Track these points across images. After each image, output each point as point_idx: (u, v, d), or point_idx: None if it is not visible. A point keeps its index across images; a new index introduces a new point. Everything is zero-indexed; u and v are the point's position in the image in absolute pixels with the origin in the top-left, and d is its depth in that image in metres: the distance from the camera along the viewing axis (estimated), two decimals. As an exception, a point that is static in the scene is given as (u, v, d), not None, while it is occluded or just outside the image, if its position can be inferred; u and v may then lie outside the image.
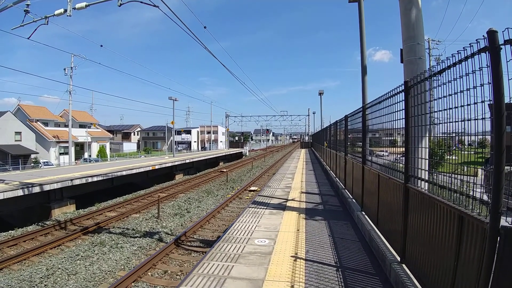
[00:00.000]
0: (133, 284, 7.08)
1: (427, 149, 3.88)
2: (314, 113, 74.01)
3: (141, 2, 8.88)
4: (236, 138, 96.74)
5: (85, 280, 7.47)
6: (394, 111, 4.76)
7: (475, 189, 2.69)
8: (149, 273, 7.70)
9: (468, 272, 2.57)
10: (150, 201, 16.06)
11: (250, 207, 9.06)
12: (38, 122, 45.03)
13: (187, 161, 30.90)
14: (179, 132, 77.09)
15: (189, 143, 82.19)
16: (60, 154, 44.04)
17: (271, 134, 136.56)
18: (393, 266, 4.16)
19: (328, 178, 15.25)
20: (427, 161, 3.84)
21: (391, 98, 4.87)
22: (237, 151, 56.21)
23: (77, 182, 15.92)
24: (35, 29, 10.86)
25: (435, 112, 3.41)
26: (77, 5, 9.63)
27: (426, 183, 3.62)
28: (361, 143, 7.54)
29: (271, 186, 13.10)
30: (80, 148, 49.96)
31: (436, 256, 3.14)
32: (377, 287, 4.13)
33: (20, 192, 12.79)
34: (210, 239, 10.12)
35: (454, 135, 3.55)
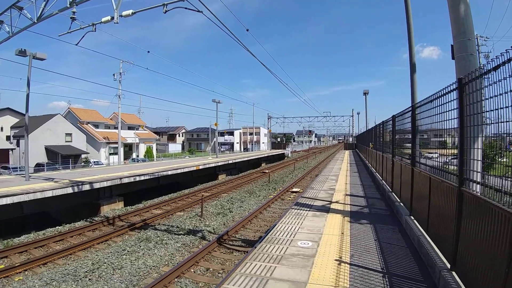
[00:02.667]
0: (176, 279, 7.29)
1: (481, 150, 3.63)
2: (358, 113, 72.06)
3: (186, 8, 9.14)
4: (278, 139, 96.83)
5: (130, 274, 7.72)
6: (446, 110, 4.51)
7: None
8: (192, 270, 7.90)
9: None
10: (194, 200, 16.51)
11: (292, 209, 9.00)
12: (89, 124, 47.91)
13: (230, 161, 31.38)
14: (222, 134, 78.50)
15: (232, 144, 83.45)
16: (110, 154, 46.59)
17: (314, 135, 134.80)
18: (442, 274, 3.94)
19: (373, 181, 14.76)
20: (481, 163, 3.59)
21: (444, 96, 4.61)
22: (279, 152, 56.17)
23: (125, 180, 16.74)
24: (83, 36, 11.50)
25: (487, 111, 3.19)
26: (124, 13, 10.02)
27: (480, 187, 3.38)
28: (409, 144, 7.22)
29: (314, 187, 12.92)
30: (129, 148, 52.49)
31: (489, 263, 2.94)
32: (426, 295, 3.92)
33: (69, 190, 13.42)
34: (252, 239, 10.18)
35: (506, 135, 3.31)
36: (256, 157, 40.98)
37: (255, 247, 5.89)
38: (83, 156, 42.69)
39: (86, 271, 7.81)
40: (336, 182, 14.61)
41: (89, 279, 7.47)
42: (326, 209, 8.83)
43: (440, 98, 4.78)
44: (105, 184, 15.36)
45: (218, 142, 55.60)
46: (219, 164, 28.62)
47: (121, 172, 19.55)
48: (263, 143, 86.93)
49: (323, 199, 10.36)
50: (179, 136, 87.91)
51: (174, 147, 76.65)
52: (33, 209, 12.53)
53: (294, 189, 19.18)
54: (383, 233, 6.55)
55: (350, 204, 9.49)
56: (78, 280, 7.39)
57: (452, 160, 4.40)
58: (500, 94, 2.91)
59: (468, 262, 3.48)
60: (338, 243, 5.95)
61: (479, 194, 3.36)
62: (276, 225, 7.40)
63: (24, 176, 15.87)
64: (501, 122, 2.90)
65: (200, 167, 24.82)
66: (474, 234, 3.35)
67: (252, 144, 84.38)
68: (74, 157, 39.91)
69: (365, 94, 42.50)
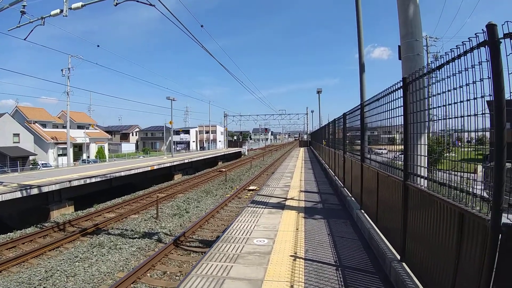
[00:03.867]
0: (132, 285, 7.03)
1: (426, 146, 3.83)
2: (312, 111, 74.03)
3: (138, 1, 8.81)
4: (235, 137, 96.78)
5: (84, 282, 7.41)
6: (392, 108, 4.72)
7: (475, 186, 2.65)
8: (148, 274, 7.66)
9: (469, 270, 2.53)
10: (149, 202, 16.02)
11: (249, 207, 9.02)
12: (36, 124, 44.81)
13: (186, 161, 30.85)
14: (177, 132, 76.96)
15: (188, 143, 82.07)
16: (59, 155, 43.89)
17: (270, 133, 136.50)
18: (393, 265, 4.12)
19: (327, 177, 15.22)
20: (426, 158, 3.80)
21: (390, 95, 4.83)
22: (236, 151, 56.12)
23: (75, 183, 15.85)
24: (31, 30, 10.80)
25: (433, 108, 3.37)
26: (73, 5, 9.56)
27: (426, 181, 3.57)
28: (359, 141, 7.50)
29: (270, 185, 13.05)
30: (79, 149, 49.78)
31: (437, 254, 3.10)
32: (377, 286, 4.08)
33: (18, 194, 12.73)
34: (209, 239, 10.07)
35: (453, 131, 3.51)
36: (213, 155, 40.66)
37: (212, 247, 5.82)
38: (31, 158, 39.85)
39: (40, 279, 7.55)
40: (291, 179, 14.87)
41: (44, 287, 7.22)
42: (281, 206, 8.94)
43: (387, 97, 5.00)
44: (53, 187, 14.48)
45: (174, 141, 54.44)
46: (175, 163, 28.03)
47: (71, 174, 18.47)
48: (219, 141, 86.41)
49: (279, 196, 10.50)
50: (132, 135, 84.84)
51: (128, 147, 73.92)
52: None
53: (251, 187, 19.28)
54: (336, 227, 6.75)
55: (304, 200, 9.69)
56: None
57: (401, 156, 4.62)
58: (443, 92, 3.06)
59: (417, 253, 3.65)
60: (293, 239, 6.04)
61: (423, 187, 3.55)
62: (232, 224, 7.36)
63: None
64: (448, 118, 3.05)
65: (155, 167, 24.14)
66: (421, 226, 3.52)
67: (209, 143, 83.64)
68: (22, 159, 37.30)
69: (318, 92, 43.75)
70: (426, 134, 3.90)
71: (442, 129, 3.52)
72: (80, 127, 51.73)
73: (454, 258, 2.73)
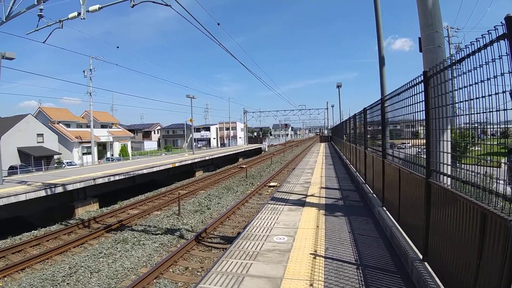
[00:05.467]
0: (155, 280, 7.17)
1: (449, 142, 3.70)
2: (332, 106, 73.39)
3: (154, 2, 8.92)
4: (255, 133, 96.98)
5: (107, 277, 7.58)
6: (414, 102, 4.58)
7: (498, 182, 2.54)
8: (171, 270, 7.79)
9: (490, 271, 2.44)
10: (171, 198, 16.28)
11: (269, 204, 9.02)
12: (60, 124, 46.22)
13: (207, 158, 31.13)
14: (198, 130, 77.78)
15: (209, 140, 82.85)
16: (83, 154, 45.13)
17: (290, 128, 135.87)
18: (415, 264, 4.03)
19: (348, 173, 15.02)
20: (449, 155, 3.67)
21: (411, 89, 4.70)
22: (256, 147, 56.24)
23: (99, 181, 16.30)
24: (50, 33, 11.18)
25: (456, 103, 3.25)
26: (91, 8, 9.75)
27: (449, 178, 3.46)
28: (381, 136, 7.35)
29: (290, 181, 13.01)
30: (103, 147, 51.12)
31: (459, 254, 3.01)
32: (398, 286, 4.00)
33: (42, 193, 13.06)
34: (230, 235, 10.15)
35: (476, 125, 3.39)
36: (233, 152, 40.88)
37: (232, 244, 5.86)
38: (55, 157, 41.16)
39: (64, 276, 7.70)
40: (311, 175, 14.77)
41: (67, 284, 7.38)
42: (301, 203, 8.90)
43: (408, 91, 4.86)
44: (78, 185, 14.91)
45: (195, 138, 55.06)
46: (196, 160, 28.35)
47: (95, 172, 18.99)
48: (239, 138, 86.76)
49: (299, 192, 10.45)
50: (154, 133, 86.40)
51: (150, 145, 75.30)
52: (7, 214, 12.16)
53: (271, 184, 19.27)
54: (357, 225, 6.66)
55: (325, 197, 9.60)
56: (56, 285, 7.34)
57: (423, 151, 4.50)
58: (464, 87, 2.95)
59: (439, 253, 3.55)
60: (313, 236, 6.00)
61: (446, 185, 3.44)
62: (252, 221, 7.39)
63: (-2, 180, 15.21)
64: (471, 114, 2.94)
65: (177, 165, 24.49)
66: (444, 226, 3.41)
67: (229, 139, 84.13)
68: (46, 158, 38.42)
69: (338, 86, 43.12)
70: (449, 129, 3.77)
71: (466, 123, 3.38)
72: (103, 126, 53.07)
73: (476, 258, 2.64)
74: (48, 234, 11.21)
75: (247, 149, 49.62)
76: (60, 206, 14.44)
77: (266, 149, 62.14)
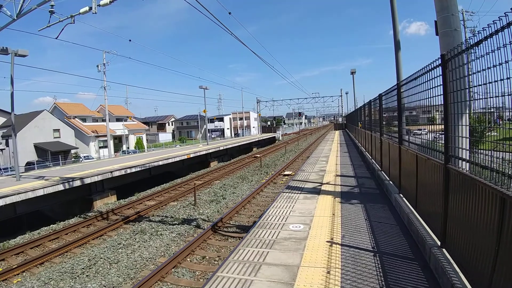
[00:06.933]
0: (173, 270, 7.31)
1: (468, 127, 3.61)
2: (347, 93, 72.47)
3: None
4: (269, 123, 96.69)
5: (126, 267, 7.73)
6: (431, 87, 4.48)
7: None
8: (188, 259, 7.92)
9: (509, 256, 2.40)
10: (186, 189, 16.46)
11: (284, 192, 9.04)
12: (76, 119, 46.99)
13: (221, 148, 31.28)
14: (211, 120, 78.08)
15: (222, 130, 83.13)
16: (100, 147, 45.84)
17: (304, 117, 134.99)
18: (433, 251, 3.99)
19: (363, 160, 14.88)
20: (467, 139, 3.58)
21: (428, 73, 4.59)
22: (270, 136, 56.13)
23: (116, 173, 16.59)
24: (62, 29, 11.19)
25: (474, 86, 3.16)
26: (101, 2, 9.78)
27: (468, 164, 3.39)
28: (397, 122, 7.23)
29: (305, 170, 12.97)
30: (119, 141, 51.85)
31: (477, 240, 2.98)
32: (416, 272, 3.98)
33: (60, 187, 13.31)
34: (246, 224, 10.23)
35: (493, 110, 3.30)
36: (247, 142, 40.93)
37: (249, 233, 5.91)
38: (72, 151, 41.93)
39: (83, 268, 7.81)
40: (326, 163, 14.69)
41: (87, 276, 7.48)
42: (317, 191, 8.88)
43: (425, 75, 4.75)
44: (96, 178, 15.20)
45: (209, 129, 55.34)
46: (210, 151, 28.52)
47: (112, 165, 19.33)
48: (253, 127, 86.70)
49: (314, 181, 10.42)
50: (168, 125, 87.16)
51: (165, 137, 76.04)
52: (26, 209, 12.42)
53: (286, 172, 19.27)
54: (373, 212, 6.62)
55: (340, 185, 9.56)
56: (75, 278, 7.40)
57: (440, 136, 4.41)
58: (483, 70, 2.87)
59: (458, 239, 3.51)
60: (329, 224, 5.99)
61: (465, 171, 3.37)
62: (268, 209, 7.43)
63: (15, 177, 15.64)
64: (488, 97, 2.88)
65: (191, 156, 24.69)
66: (462, 212, 3.36)
67: (243, 129, 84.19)
68: (63, 153, 39.05)
69: (352, 73, 42.49)
70: (467, 114, 3.67)
71: (482, 107, 3.30)
72: (118, 119, 53.74)
73: (495, 244, 2.60)
74: (67, 228, 11.42)
75: (261, 138, 49.58)
76: (78, 199, 14.72)
77: (280, 138, 61.98)
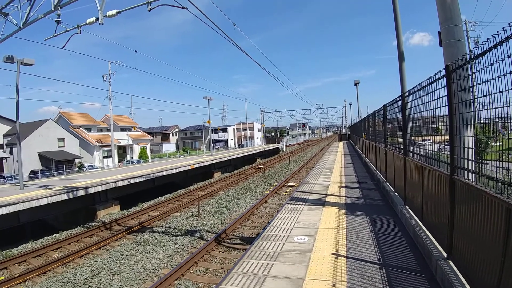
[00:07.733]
0: (176, 282, 7.25)
1: (473, 138, 3.60)
2: (350, 104, 72.58)
3: (170, 5, 9.02)
4: (272, 133, 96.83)
5: (129, 279, 7.68)
6: (436, 98, 4.48)
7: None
8: (191, 271, 7.87)
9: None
10: (190, 200, 16.44)
11: (288, 203, 8.99)
12: (81, 128, 47.37)
13: (225, 159, 31.28)
14: (215, 131, 78.28)
15: (226, 141, 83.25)
16: (104, 157, 46.06)
17: (307, 128, 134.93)
18: (439, 263, 3.93)
19: (368, 171, 14.80)
20: (473, 150, 3.57)
21: (432, 84, 4.59)
22: (274, 147, 56.14)
23: (120, 183, 16.59)
24: (69, 39, 11.29)
25: (479, 97, 3.17)
26: (108, 13, 9.85)
27: (473, 175, 3.36)
28: (401, 133, 7.21)
29: (309, 181, 12.92)
30: (123, 150, 52.06)
31: (484, 251, 2.94)
32: (422, 285, 3.91)
33: (64, 196, 13.29)
34: (249, 236, 10.17)
35: (497, 120, 3.30)
36: (251, 152, 40.94)
37: (253, 245, 5.86)
38: (77, 160, 42.12)
39: (85, 278, 7.79)
40: (330, 174, 14.63)
41: (89, 286, 7.47)
42: (321, 203, 8.82)
43: (429, 86, 4.76)
44: (100, 188, 15.20)
45: (212, 139, 55.43)
46: (214, 162, 28.53)
47: (116, 175, 19.38)
48: (257, 138, 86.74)
49: (318, 192, 10.37)
50: (172, 135, 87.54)
51: (168, 147, 76.26)
52: (29, 217, 12.45)
53: (290, 183, 19.21)
54: (378, 224, 6.55)
55: (345, 196, 9.49)
56: None
57: (446, 147, 4.39)
58: (488, 80, 2.88)
59: (464, 251, 3.47)
60: (334, 236, 5.93)
61: (471, 182, 3.34)
62: (272, 221, 7.37)
63: (19, 185, 15.70)
64: (492, 108, 2.88)
65: (195, 166, 24.70)
66: (468, 223, 3.33)
67: (247, 140, 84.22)
68: (68, 162, 39.23)
69: (356, 84, 42.59)
70: (472, 125, 3.67)
71: (486, 117, 3.29)
72: (123, 129, 54.05)
73: (501, 255, 2.57)
74: (69, 237, 11.40)
75: (265, 149, 49.58)
76: (82, 209, 14.71)
77: (284, 149, 61.96)
